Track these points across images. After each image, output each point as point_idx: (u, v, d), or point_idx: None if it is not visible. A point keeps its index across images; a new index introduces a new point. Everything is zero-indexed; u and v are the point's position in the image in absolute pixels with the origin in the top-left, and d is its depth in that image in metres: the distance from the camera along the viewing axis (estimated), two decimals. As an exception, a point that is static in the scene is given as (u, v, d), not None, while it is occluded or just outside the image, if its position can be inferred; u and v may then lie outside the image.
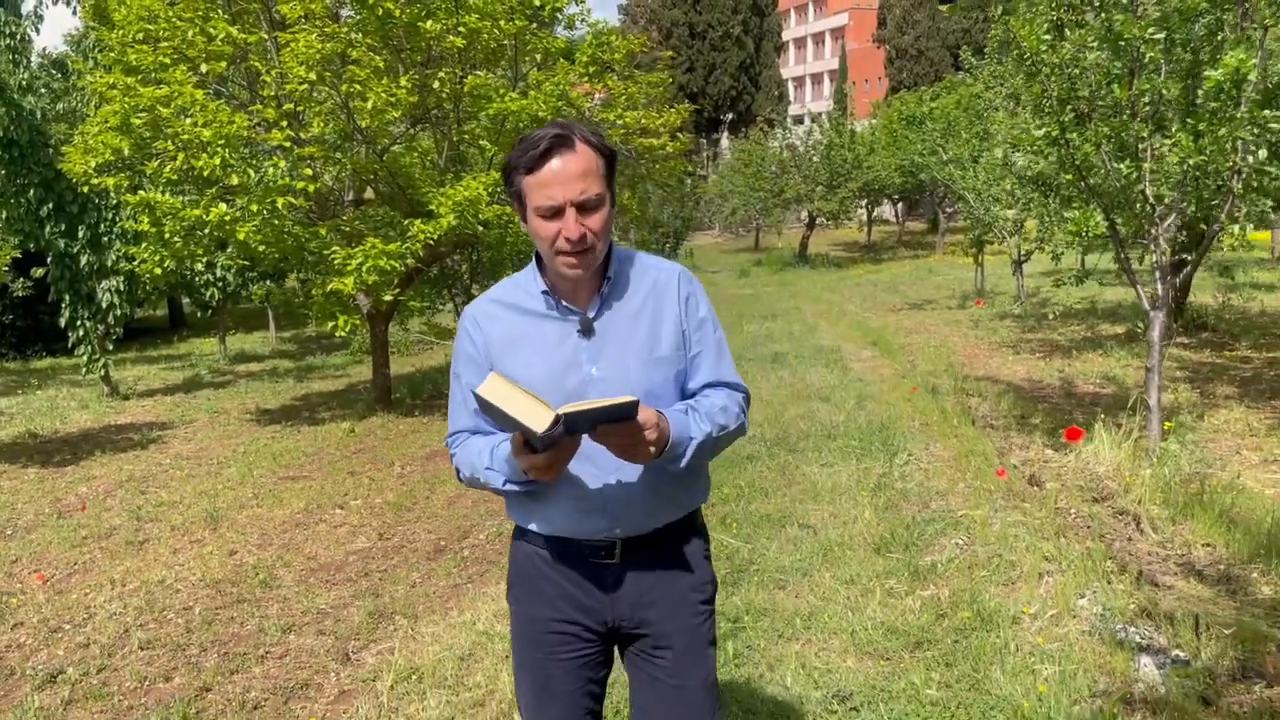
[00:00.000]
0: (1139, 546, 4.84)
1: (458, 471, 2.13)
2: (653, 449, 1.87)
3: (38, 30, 12.63)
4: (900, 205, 40.22)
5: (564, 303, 2.05)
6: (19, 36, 12.23)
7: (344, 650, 4.23)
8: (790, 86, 75.05)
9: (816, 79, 76.35)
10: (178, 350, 19.85)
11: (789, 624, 4.14)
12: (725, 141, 52.01)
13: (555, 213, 1.91)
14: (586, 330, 2.03)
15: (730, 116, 54.23)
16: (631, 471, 2.00)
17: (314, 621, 4.59)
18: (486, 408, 1.82)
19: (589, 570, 2.09)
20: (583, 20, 10.19)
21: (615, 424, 1.81)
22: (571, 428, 1.77)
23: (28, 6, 12.83)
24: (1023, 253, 16.94)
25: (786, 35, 72.12)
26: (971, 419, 7.90)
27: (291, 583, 5.16)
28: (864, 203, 36.55)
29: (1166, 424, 6.31)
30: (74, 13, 12.92)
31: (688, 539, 2.16)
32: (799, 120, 59.74)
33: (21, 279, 18.22)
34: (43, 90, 12.79)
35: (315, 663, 4.12)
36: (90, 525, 6.54)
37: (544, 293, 2.05)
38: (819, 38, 77.65)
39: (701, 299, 2.13)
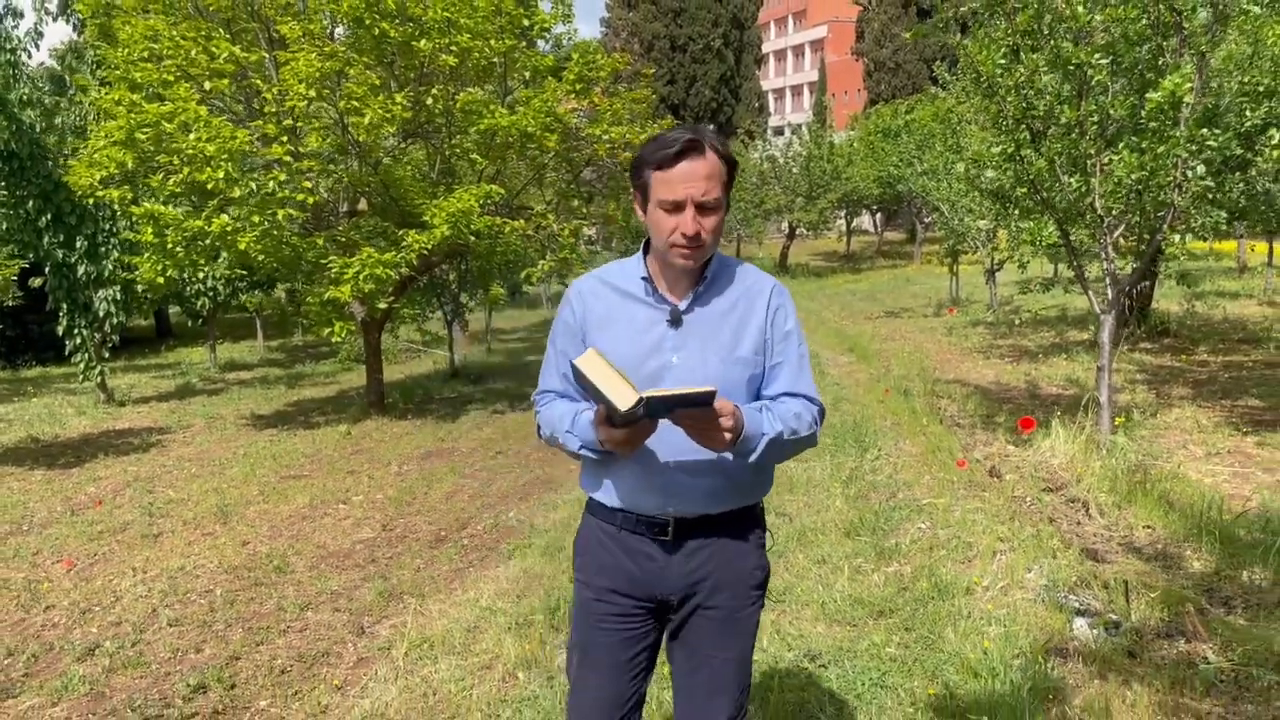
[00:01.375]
0: (1086, 528, 5.28)
1: (539, 429, 2.27)
2: (728, 436, 1.98)
3: (37, 46, 12.96)
4: (879, 216, 40.86)
5: (660, 291, 2.19)
6: (16, 51, 12.56)
7: (359, 624, 4.62)
8: (771, 98, 75.77)
9: (796, 91, 77.04)
10: (166, 359, 20.09)
11: (767, 596, 4.54)
12: (706, 153, 52.47)
13: (677, 207, 2.07)
14: (675, 321, 2.16)
15: (711, 128, 54.84)
16: (693, 457, 2.11)
17: (329, 600, 4.97)
18: (579, 377, 1.95)
19: (645, 544, 2.20)
20: (569, 40, 10.61)
21: (693, 410, 1.94)
22: (652, 411, 1.91)
23: (27, 23, 13.15)
24: (995, 262, 17.47)
25: (767, 47, 72.86)
26: (940, 418, 8.35)
27: (304, 568, 5.53)
28: (843, 213, 37.14)
29: (1117, 419, 6.77)
30: (76, 31, 13.22)
31: (743, 527, 2.25)
32: (779, 132, 60.39)
33: (13, 289, 18.41)
34: (44, 101, 13.09)
35: (333, 635, 4.50)
36: (104, 521, 6.88)
37: (643, 279, 2.20)
38: (799, 50, 78.35)
39: (790, 313, 2.25)
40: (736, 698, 2.25)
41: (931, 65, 19.51)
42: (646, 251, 2.23)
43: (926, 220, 30.17)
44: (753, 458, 2.07)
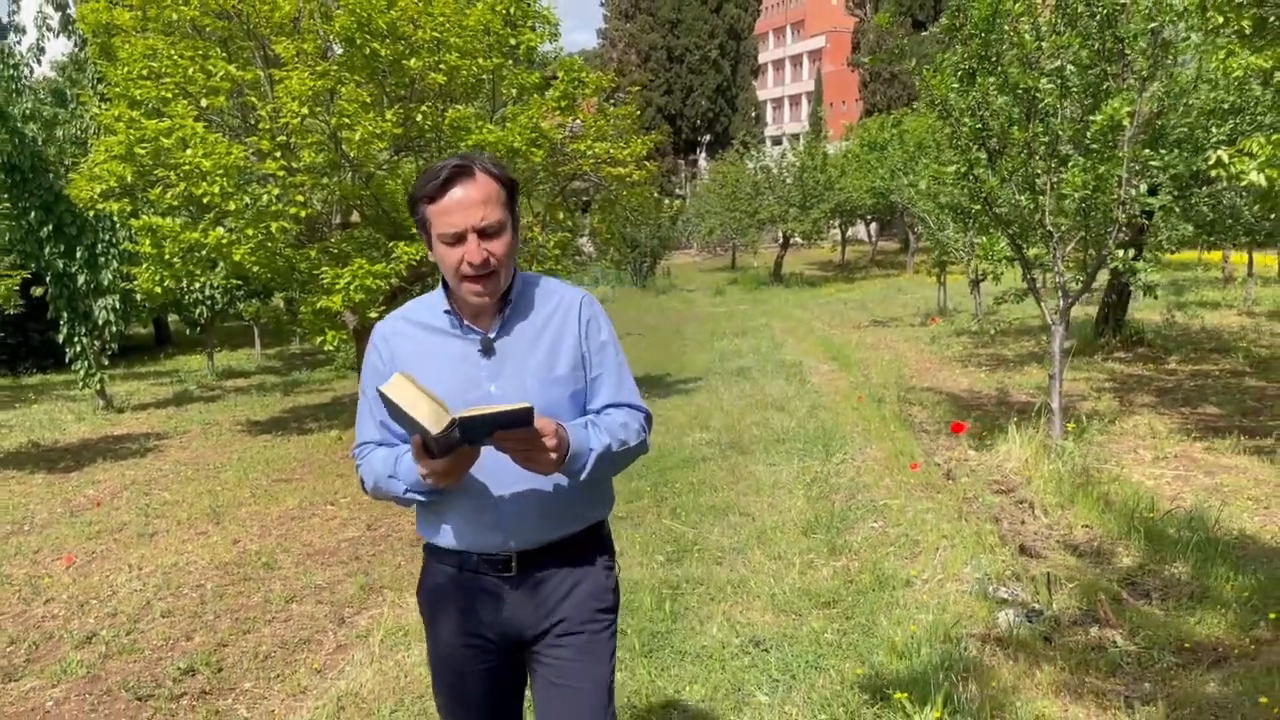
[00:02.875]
0: (1028, 527, 5.59)
1: (362, 482, 2.20)
2: (553, 456, 1.95)
3: (39, 62, 13.33)
4: (873, 225, 41.23)
5: (467, 323, 2.14)
6: (19, 66, 12.91)
7: (340, 615, 4.93)
8: (769, 108, 76.30)
9: (794, 100, 77.55)
10: (164, 367, 20.40)
11: (720, 590, 4.87)
12: (703, 162, 53.03)
13: (458, 239, 2.01)
14: (487, 350, 2.12)
15: (708, 138, 55.28)
16: (526, 486, 2.07)
17: (313, 594, 5.28)
18: (389, 406, 1.90)
19: (489, 584, 2.15)
20: (556, 57, 10.95)
21: (513, 430, 1.89)
22: (468, 432, 1.86)
23: (29, 39, 13.49)
24: (979, 273, 17.80)
25: (765, 57, 73.39)
26: (908, 424, 8.66)
27: (290, 565, 5.84)
28: (837, 223, 37.49)
29: (1069, 425, 7.09)
30: (79, 48, 13.55)
31: (587, 552, 2.21)
32: (777, 141, 60.80)
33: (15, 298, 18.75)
34: (45, 115, 13.44)
35: (315, 624, 4.81)
36: (102, 521, 7.19)
37: (446, 312, 2.15)
38: (797, 60, 78.90)
39: (603, 323, 2.22)
40: None
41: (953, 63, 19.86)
42: (448, 286, 2.17)
43: (918, 230, 30.53)
44: (583, 475, 2.05)
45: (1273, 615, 4.02)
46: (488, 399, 2.06)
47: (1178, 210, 10.84)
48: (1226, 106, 8.47)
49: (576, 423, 2.08)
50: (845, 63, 59.31)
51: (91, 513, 7.47)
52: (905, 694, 3.34)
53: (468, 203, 2.00)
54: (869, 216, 38.00)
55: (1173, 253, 13.09)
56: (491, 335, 2.13)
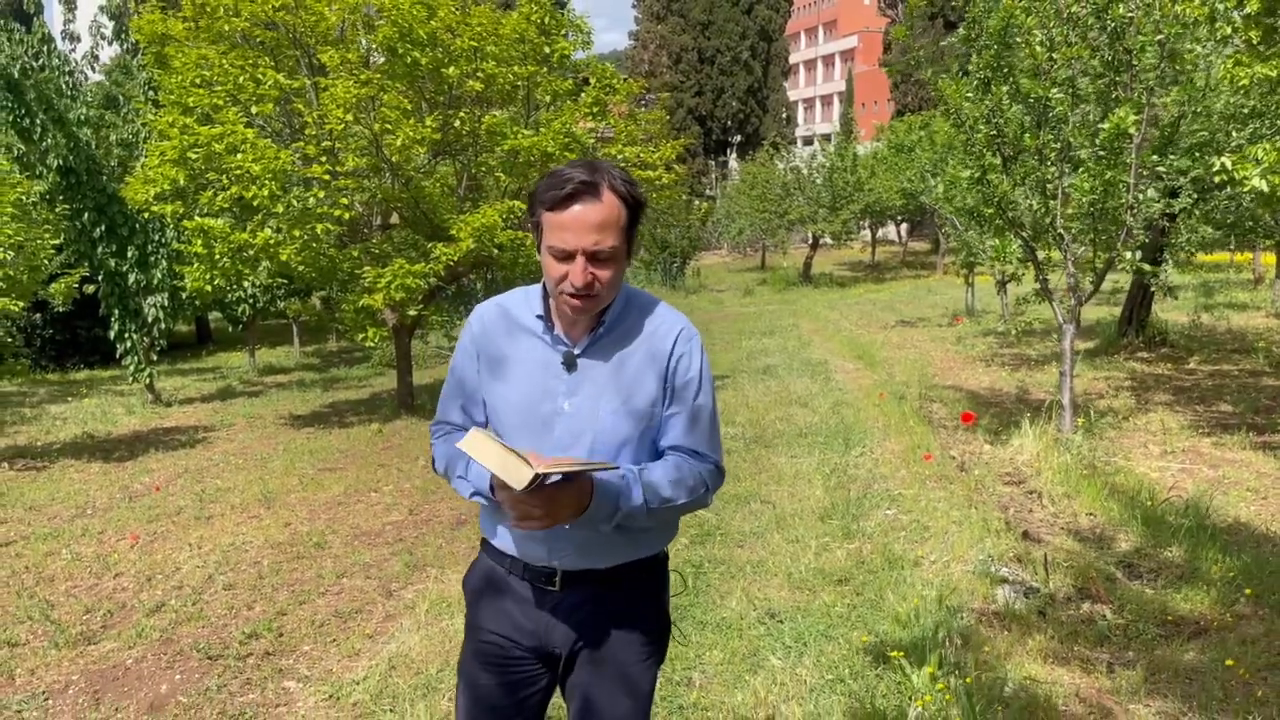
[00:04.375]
0: (1035, 515, 5.89)
1: (433, 461, 2.20)
2: (569, 509, 1.90)
3: (94, 69, 13.91)
4: (904, 226, 41.31)
5: (557, 331, 2.06)
6: (74, 73, 13.48)
7: (387, 589, 5.32)
8: (800, 108, 76.35)
9: (826, 100, 77.51)
10: (206, 364, 21.00)
11: (740, 569, 5.21)
12: (733, 163, 53.28)
13: (567, 256, 1.92)
14: (569, 364, 2.04)
15: (738, 139, 55.53)
16: None
17: (361, 570, 5.68)
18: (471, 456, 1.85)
19: (531, 592, 2.11)
20: (588, 64, 11.34)
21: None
22: (546, 484, 1.83)
23: (84, 46, 14.04)
24: (1005, 274, 17.99)
25: (796, 57, 73.46)
26: (927, 420, 8.95)
27: (339, 545, 6.25)
28: (867, 224, 37.62)
29: (1080, 420, 7.36)
30: (131, 54, 14.09)
31: (636, 581, 2.13)
32: (808, 141, 60.89)
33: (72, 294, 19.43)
34: (96, 118, 14.00)
35: (365, 597, 5.21)
36: (159, 506, 7.64)
37: (539, 317, 2.08)
38: (829, 60, 78.85)
39: (695, 359, 2.09)
40: None
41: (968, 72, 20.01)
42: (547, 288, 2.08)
43: (947, 232, 30.63)
44: (607, 527, 1.98)
45: (1249, 591, 4.31)
46: (559, 414, 2.02)
47: (1197, 213, 11.04)
48: (1247, 111, 8.70)
49: (616, 473, 1.96)
50: (877, 63, 59.31)
51: (149, 498, 7.92)
52: (902, 653, 3.67)
53: (585, 223, 1.90)
54: (899, 217, 38.10)
55: (1191, 255, 13.25)
56: (577, 351, 2.04)
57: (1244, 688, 3.53)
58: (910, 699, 3.40)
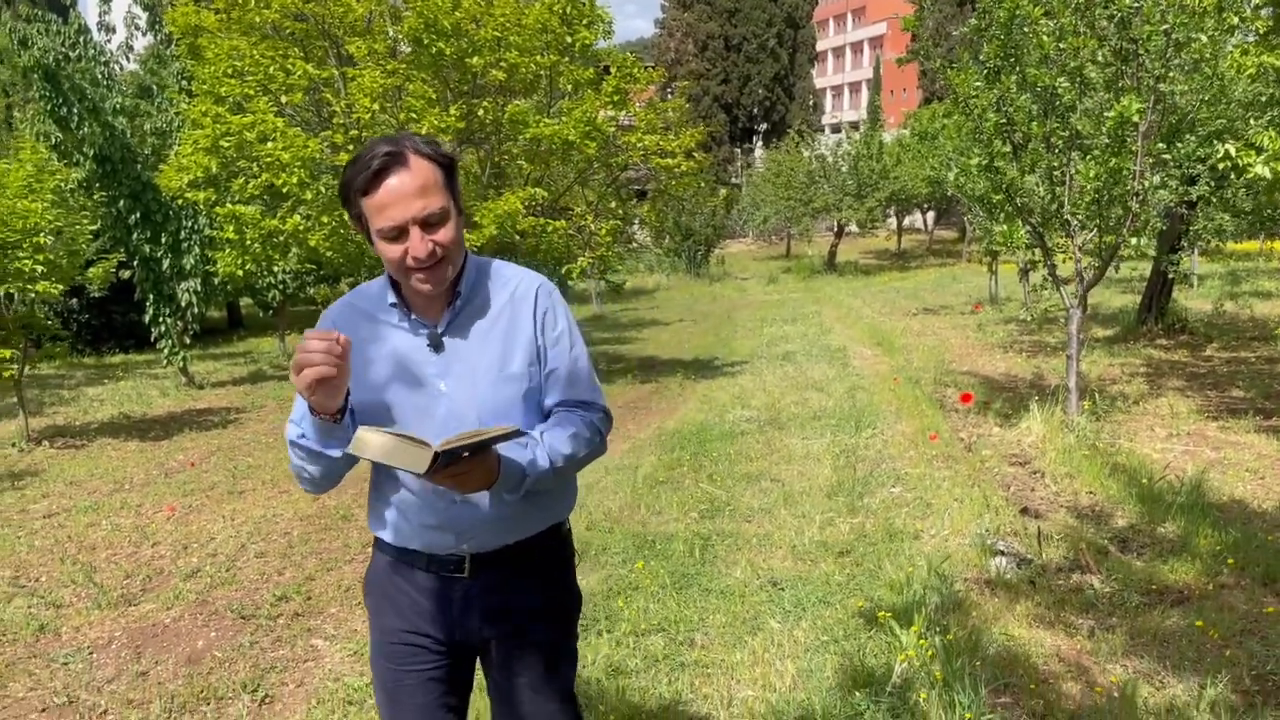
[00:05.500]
0: (1036, 493, 6.07)
1: (294, 471, 2.10)
2: (480, 483, 1.87)
3: (128, 59, 14.26)
4: (930, 214, 41.21)
5: (414, 316, 2.00)
6: (109, 64, 13.83)
7: (409, 557, 5.58)
8: (828, 95, 76.06)
9: (854, 88, 77.13)
10: (238, 348, 21.39)
11: (747, 542, 5.43)
12: (759, 151, 53.29)
13: (399, 233, 1.86)
14: (436, 345, 1.99)
15: (764, 126, 55.51)
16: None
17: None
18: (364, 457, 1.78)
19: (439, 583, 2.05)
20: (610, 54, 11.55)
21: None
22: (453, 459, 1.77)
23: (119, 37, 14.36)
24: (1027, 261, 18.02)
25: (824, 44, 73.19)
26: (939, 404, 9.11)
27: (364, 517, 6.46)
28: (893, 211, 37.58)
29: (1087, 403, 7.50)
30: (165, 45, 14.43)
31: (545, 555, 2.11)
32: (836, 129, 60.72)
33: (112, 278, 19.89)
34: (131, 106, 14.35)
35: (388, 565, 5.47)
36: (194, 481, 7.95)
37: (392, 305, 2.00)
38: (857, 47, 78.42)
39: (560, 314, 2.07)
40: None
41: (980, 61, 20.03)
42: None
43: (971, 219, 30.58)
44: (518, 494, 1.95)
45: (1230, 561, 4.48)
46: (439, 397, 1.97)
47: (1215, 201, 11.11)
48: (1265, 99, 8.77)
49: (520, 440, 1.93)
50: (905, 50, 58.99)
51: (184, 474, 8.24)
52: (892, 615, 3.87)
53: (405, 193, 1.84)
54: (925, 205, 38.03)
55: (1212, 243, 13.28)
56: (440, 329, 1.99)
57: (1216, 649, 3.71)
58: (896, 655, 3.60)
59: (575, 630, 2.22)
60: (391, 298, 1.99)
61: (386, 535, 2.08)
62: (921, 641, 3.53)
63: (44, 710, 3.86)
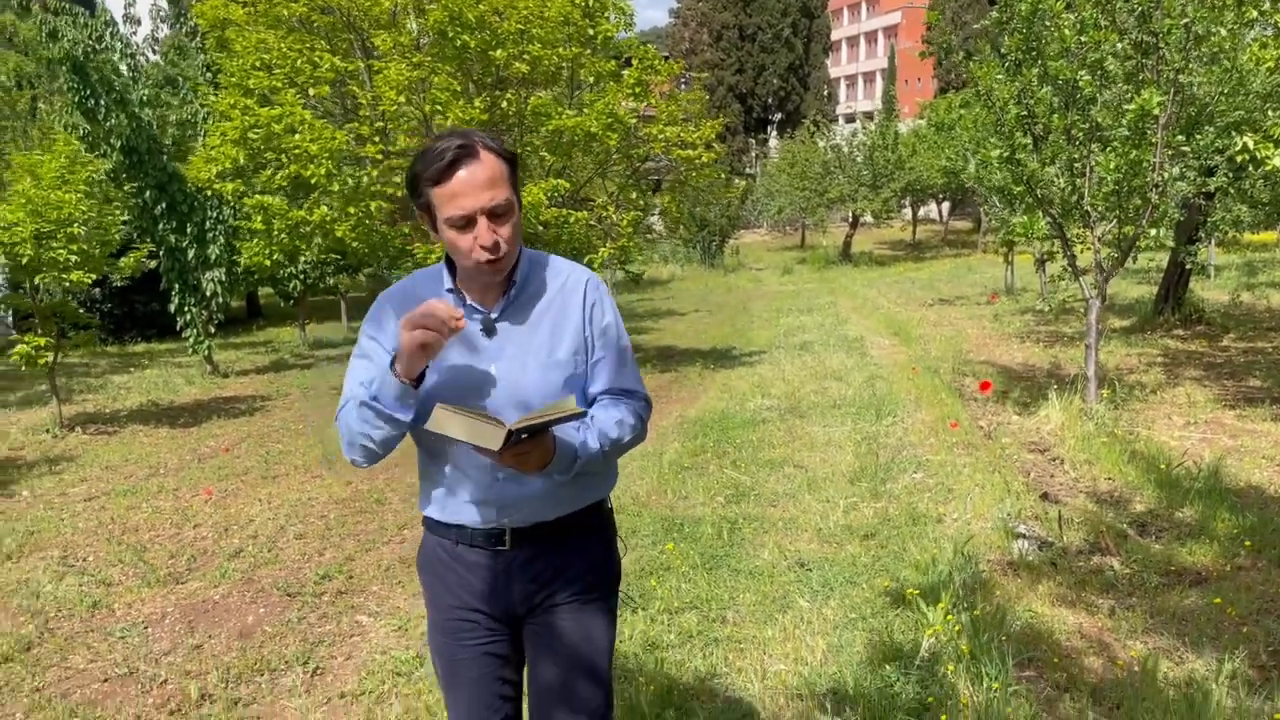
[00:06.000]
0: (1056, 479, 6.19)
1: (342, 441, 2.09)
2: (538, 464, 1.97)
3: (154, 51, 14.44)
4: (945, 205, 41.18)
5: (470, 301, 2.10)
6: (135, 56, 14.00)
7: (445, 539, 5.75)
8: (842, 84, 75.88)
9: (868, 77, 76.93)
10: (258, 338, 21.62)
11: (773, 525, 5.57)
12: (774, 141, 53.28)
13: (467, 223, 1.96)
14: (489, 329, 2.09)
15: (779, 116, 55.46)
16: None
17: (419, 523, 6.09)
18: (439, 436, 1.88)
19: (483, 557, 2.15)
20: (631, 47, 11.67)
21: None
22: (524, 437, 1.89)
23: (144, 30, 14.55)
24: (1044, 252, 18.07)
25: (839, 33, 72.98)
26: (958, 393, 9.23)
27: (398, 501, 6.69)
28: (908, 202, 37.57)
29: (1105, 392, 7.61)
30: (190, 38, 14.60)
31: (587, 530, 2.21)
32: (851, 119, 60.63)
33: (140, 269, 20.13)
34: (157, 97, 14.54)
35: (425, 546, 5.63)
36: (228, 466, 8.14)
37: (449, 290, 2.10)
38: (871, 36, 78.20)
39: (607, 307, 2.18)
40: (596, 712, 2.21)
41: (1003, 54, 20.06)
42: (450, 264, 2.14)
43: (988, 210, 30.57)
44: (569, 475, 2.07)
45: (1248, 544, 4.60)
46: (487, 380, 2.08)
47: (1233, 192, 11.16)
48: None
49: (570, 425, 2.05)
50: (920, 39, 58.79)
51: (217, 459, 8.43)
52: (918, 592, 4.02)
53: (476, 184, 1.95)
54: (941, 196, 38.00)
55: (1232, 234, 13.32)
56: (494, 315, 2.10)
57: (1233, 627, 3.84)
58: (924, 631, 3.74)
59: (614, 604, 2.29)
60: (449, 283, 2.11)
61: (433, 512, 2.19)
62: (949, 617, 3.67)
63: (106, 680, 4.04)
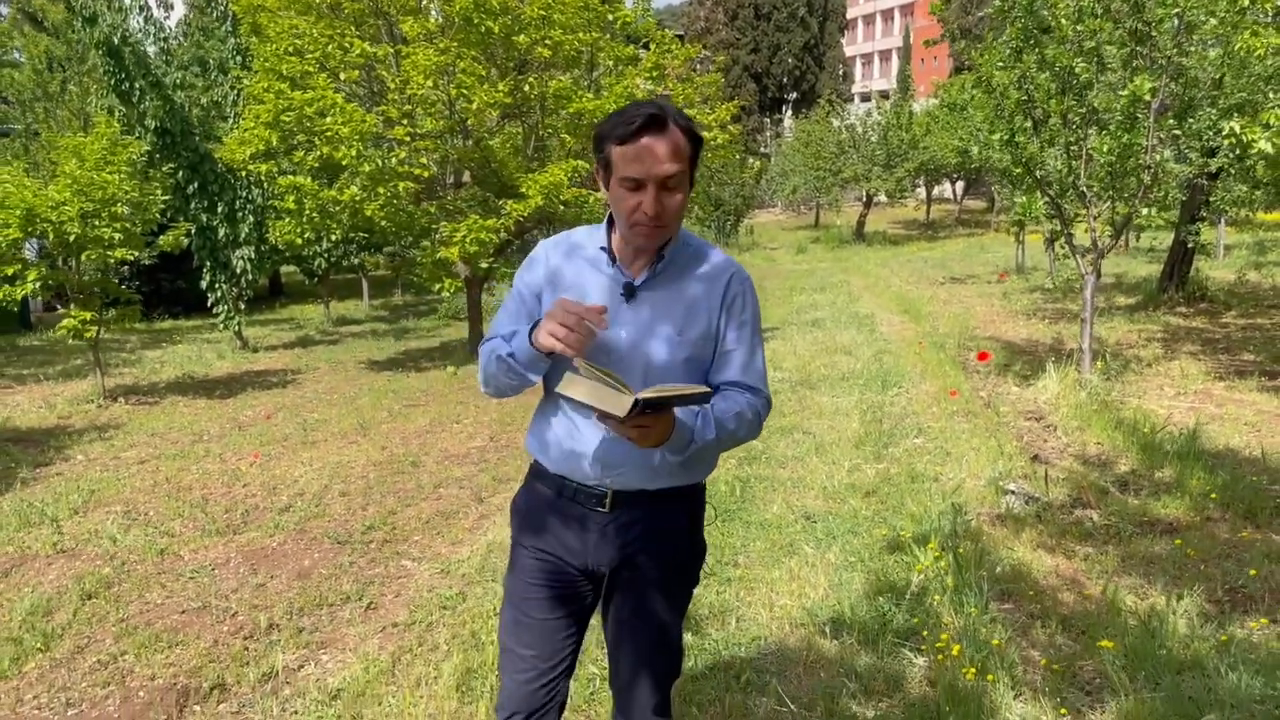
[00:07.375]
0: (1048, 444, 6.60)
1: (482, 375, 2.22)
2: (657, 438, 2.01)
3: (186, 36, 14.87)
4: (959, 184, 41.34)
5: (618, 264, 2.17)
6: (168, 39, 14.45)
7: (479, 496, 6.21)
8: (857, 63, 75.75)
9: (884, 56, 76.77)
10: (281, 315, 22.12)
11: (782, 484, 6.02)
12: (789, 120, 53.41)
13: (638, 186, 2.02)
14: (629, 294, 2.15)
15: (794, 96, 55.57)
16: None
17: (454, 483, 6.58)
18: (570, 402, 1.99)
19: (580, 511, 2.22)
20: (647, 33, 12.03)
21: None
22: (649, 409, 1.90)
23: (177, 14, 14.94)
24: (1052, 231, 18.38)
25: (854, 12, 72.81)
26: (961, 365, 9.63)
27: (432, 464, 7.16)
28: (922, 181, 37.76)
29: (1100, 364, 8.00)
30: (220, 22, 15.02)
31: (681, 505, 2.28)
32: (866, 98, 60.59)
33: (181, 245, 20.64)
34: (187, 81, 14.99)
35: (460, 502, 6.10)
36: (268, 433, 8.62)
37: (602, 248, 2.19)
38: (887, 14, 77.99)
39: (749, 302, 2.24)
40: (662, 673, 2.31)
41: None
42: (611, 223, 2.22)
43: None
44: (680, 458, 2.12)
45: (1213, 495, 5.02)
46: (615, 340, 2.13)
47: (1233, 172, 11.47)
48: (1283, 73, 9.13)
49: (691, 410, 2.09)
50: (932, 18, 58.54)
51: (258, 426, 8.91)
52: (910, 535, 4.45)
53: (656, 153, 2.00)
54: (955, 175, 38.18)
55: (1239, 213, 13.62)
56: (638, 282, 2.16)
57: (1195, 567, 4.26)
58: (914, 570, 4.18)
59: (695, 579, 2.38)
60: (604, 241, 2.21)
61: (542, 458, 2.28)
62: (937, 556, 4.11)
63: (183, 612, 4.52)
